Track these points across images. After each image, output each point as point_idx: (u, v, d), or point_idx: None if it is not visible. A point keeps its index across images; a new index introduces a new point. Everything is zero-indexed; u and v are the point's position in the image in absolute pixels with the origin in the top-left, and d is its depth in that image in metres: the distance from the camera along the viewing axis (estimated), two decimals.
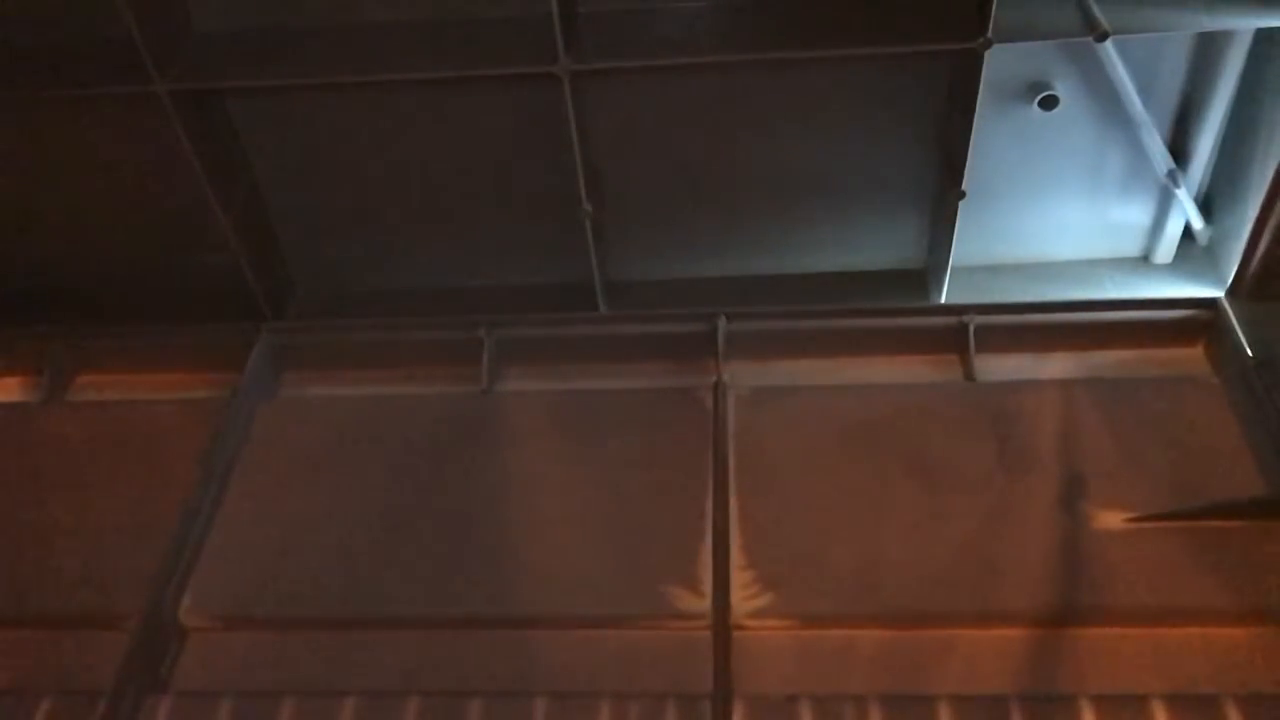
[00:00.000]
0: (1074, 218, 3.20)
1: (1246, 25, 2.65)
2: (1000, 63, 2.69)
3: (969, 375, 2.93)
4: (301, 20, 2.87)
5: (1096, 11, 2.61)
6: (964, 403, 2.80)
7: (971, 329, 2.95)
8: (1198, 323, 2.93)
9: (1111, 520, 2.49)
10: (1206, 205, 3.16)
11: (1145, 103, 2.88)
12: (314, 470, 2.80)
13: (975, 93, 2.66)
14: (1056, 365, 2.96)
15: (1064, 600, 2.35)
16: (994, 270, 3.30)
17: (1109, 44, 2.64)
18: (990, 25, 2.54)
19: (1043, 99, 2.88)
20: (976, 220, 3.09)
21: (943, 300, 3.17)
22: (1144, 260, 3.29)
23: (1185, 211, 3.10)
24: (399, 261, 3.42)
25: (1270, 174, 2.73)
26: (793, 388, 2.92)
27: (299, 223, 3.34)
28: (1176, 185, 3.02)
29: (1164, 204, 3.13)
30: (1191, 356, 2.94)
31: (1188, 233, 3.20)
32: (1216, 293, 2.99)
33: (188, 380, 3.16)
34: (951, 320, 2.98)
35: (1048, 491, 2.57)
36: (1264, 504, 2.47)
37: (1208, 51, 2.81)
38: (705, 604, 2.41)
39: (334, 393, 3.10)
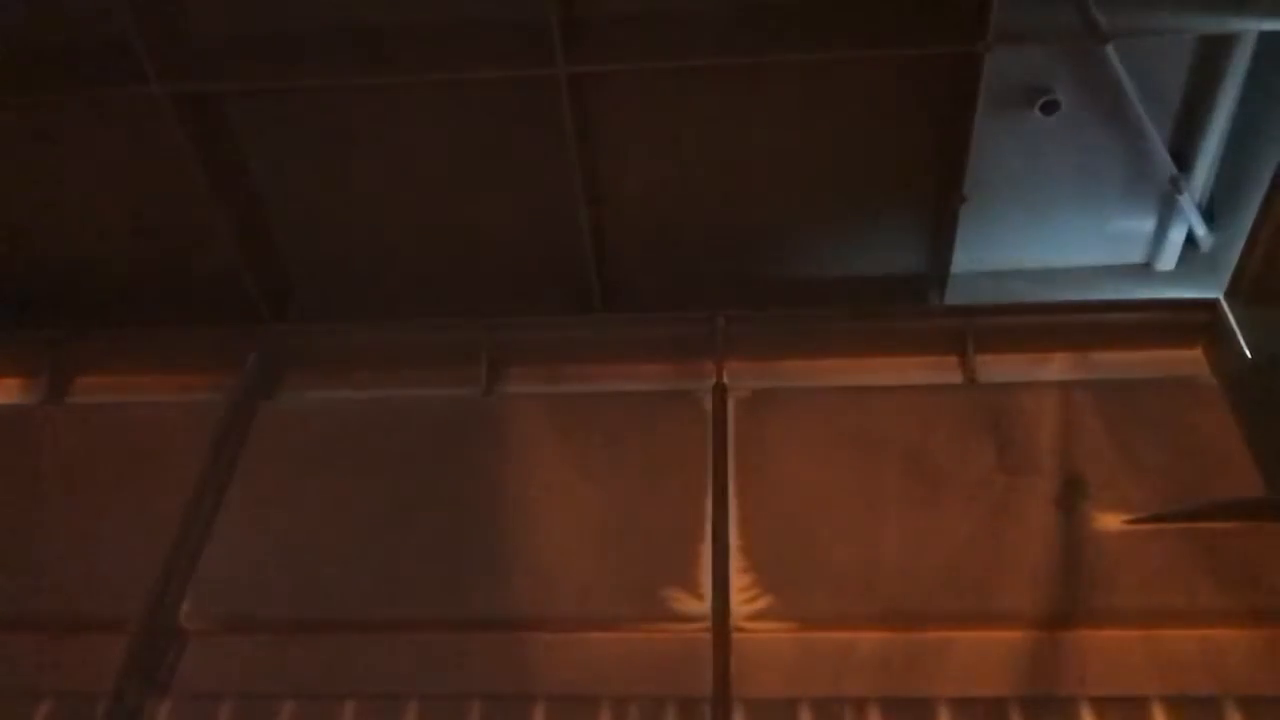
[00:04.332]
0: (1076, 224, 3.19)
1: (1249, 28, 2.65)
2: (1001, 67, 2.69)
3: (969, 377, 2.93)
4: (300, 23, 2.87)
5: (1097, 15, 2.61)
6: (964, 404, 2.80)
7: (972, 331, 2.95)
8: (1197, 324, 2.93)
9: (1111, 521, 2.49)
10: (1210, 211, 3.15)
11: (1147, 107, 2.87)
12: (313, 473, 2.79)
13: (976, 96, 2.66)
14: (1056, 367, 2.96)
15: (1063, 602, 2.36)
16: (995, 276, 3.29)
17: (1110, 48, 2.64)
18: (991, 28, 2.54)
19: (1044, 104, 2.87)
20: (978, 226, 3.09)
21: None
22: (1146, 267, 3.27)
23: (1188, 217, 3.09)
24: (399, 262, 3.41)
25: None
26: (793, 389, 2.92)
27: (299, 223, 3.34)
28: (1179, 191, 3.01)
29: (1166, 210, 3.12)
30: (1191, 358, 2.94)
31: (1191, 240, 3.19)
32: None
33: (187, 382, 3.16)
34: (952, 322, 2.98)
35: (1047, 493, 2.57)
36: (1263, 504, 2.47)
37: (1210, 55, 2.80)
38: (705, 606, 2.42)
39: (333, 395, 3.10)
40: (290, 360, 3.18)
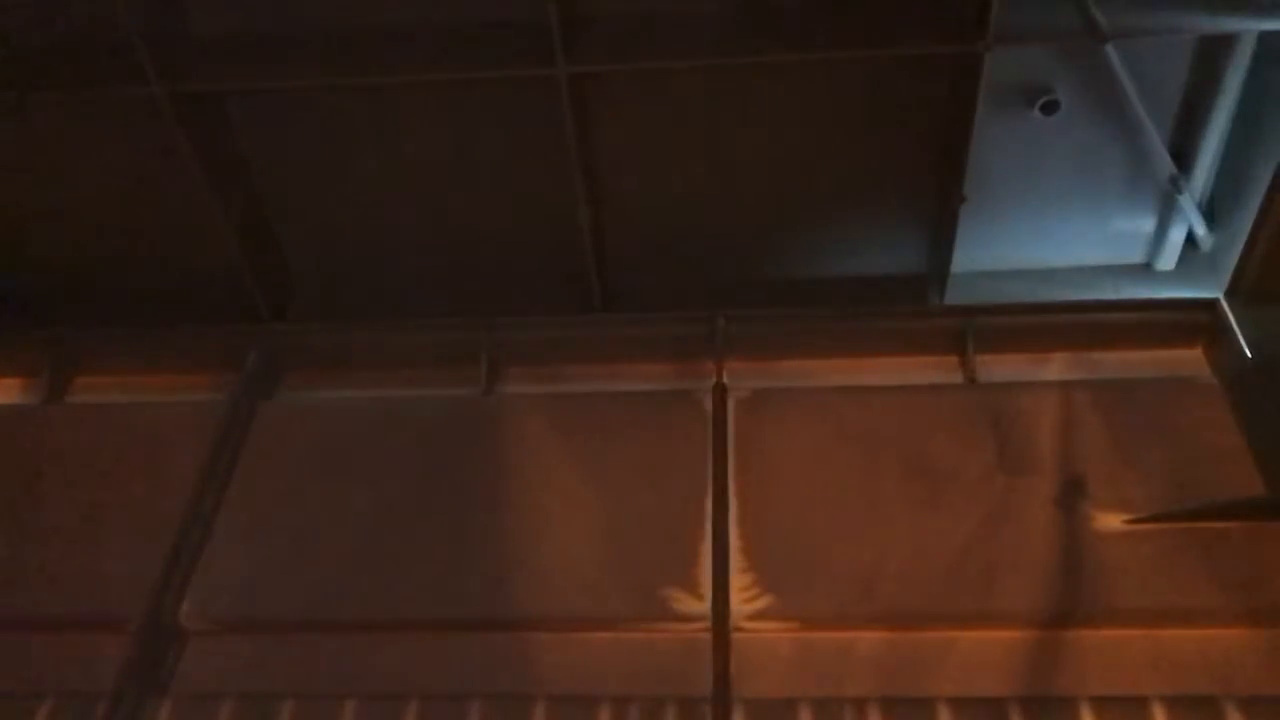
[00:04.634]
0: (1076, 224, 3.20)
1: (1249, 28, 2.64)
2: (1001, 67, 2.70)
3: (969, 377, 2.93)
4: (300, 23, 2.87)
5: (1097, 15, 2.61)
6: (964, 404, 2.80)
7: (972, 331, 2.95)
8: (1197, 324, 2.93)
9: (1111, 521, 2.49)
10: (1210, 211, 3.15)
11: (1147, 107, 2.87)
12: (313, 473, 2.79)
13: (975, 95, 2.66)
14: (1056, 367, 2.97)
15: (1063, 602, 2.36)
16: (995, 277, 3.29)
17: (1110, 48, 2.64)
18: (990, 28, 2.54)
19: (1044, 104, 2.87)
20: (977, 226, 3.09)
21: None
22: (1146, 267, 3.28)
23: (1188, 217, 3.09)
24: (399, 262, 3.41)
25: None
26: (793, 389, 2.91)
27: (299, 223, 3.34)
28: (1179, 190, 3.01)
29: (1167, 210, 3.12)
30: (1190, 357, 2.94)
31: (1191, 240, 3.19)
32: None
33: (187, 382, 3.16)
34: (952, 322, 2.98)
35: (1047, 493, 2.57)
36: (1264, 504, 2.47)
37: (1210, 55, 2.81)
38: (705, 606, 2.41)
39: (333, 395, 3.09)
40: (290, 360, 3.18)
